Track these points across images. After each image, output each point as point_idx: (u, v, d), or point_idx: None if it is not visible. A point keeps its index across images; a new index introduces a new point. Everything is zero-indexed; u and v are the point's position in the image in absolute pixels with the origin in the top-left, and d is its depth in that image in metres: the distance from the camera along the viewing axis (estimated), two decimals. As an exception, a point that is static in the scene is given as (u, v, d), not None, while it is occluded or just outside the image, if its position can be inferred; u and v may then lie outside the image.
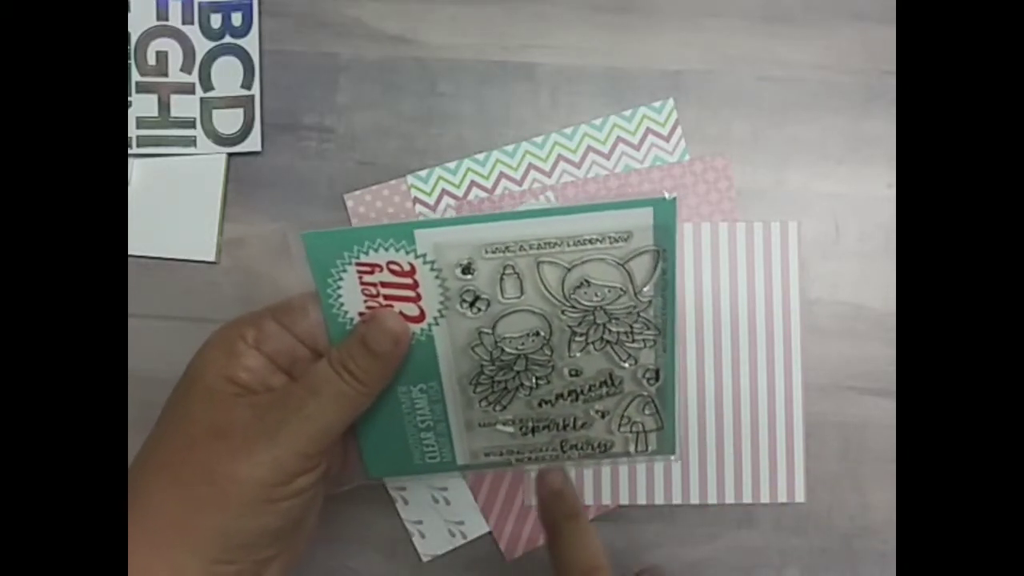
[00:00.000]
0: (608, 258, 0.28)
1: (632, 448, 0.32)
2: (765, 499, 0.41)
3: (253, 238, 0.42)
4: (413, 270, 0.28)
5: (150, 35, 0.41)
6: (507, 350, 0.30)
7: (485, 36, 0.42)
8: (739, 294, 0.41)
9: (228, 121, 0.41)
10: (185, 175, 0.41)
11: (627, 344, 0.30)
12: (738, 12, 0.42)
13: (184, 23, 0.42)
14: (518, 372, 0.30)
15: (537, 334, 0.30)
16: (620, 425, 0.32)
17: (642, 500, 0.41)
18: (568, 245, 0.28)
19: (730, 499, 0.41)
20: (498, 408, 0.31)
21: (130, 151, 0.41)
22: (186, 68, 0.41)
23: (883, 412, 0.41)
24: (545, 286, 0.29)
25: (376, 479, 0.33)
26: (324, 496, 0.32)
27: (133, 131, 0.41)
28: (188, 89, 0.41)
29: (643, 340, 0.30)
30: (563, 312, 0.29)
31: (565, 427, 0.32)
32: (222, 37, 0.42)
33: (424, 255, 0.28)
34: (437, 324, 0.29)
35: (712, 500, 0.41)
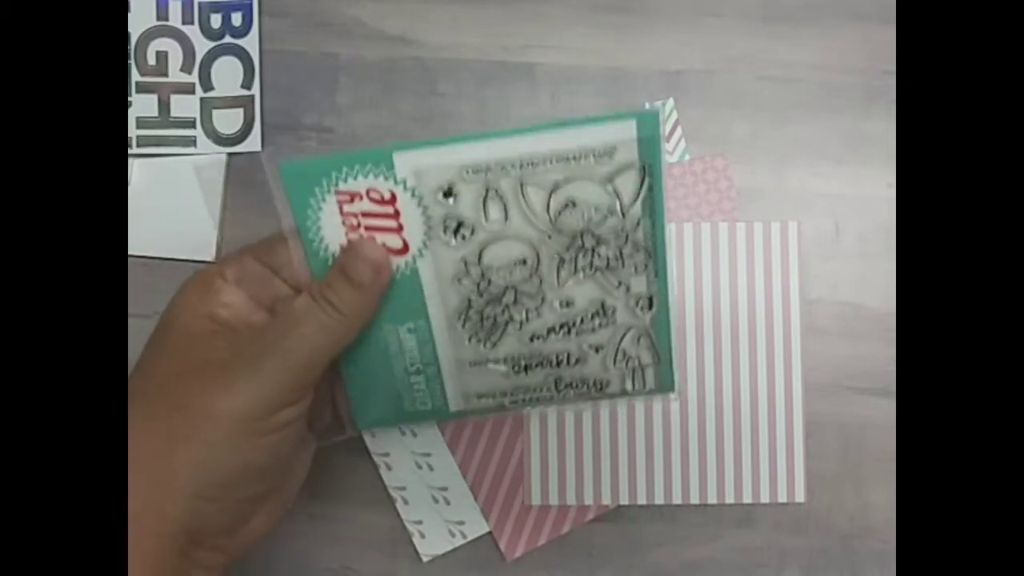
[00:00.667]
0: (593, 176, 0.28)
1: (629, 385, 0.31)
2: (765, 499, 0.41)
3: (253, 238, 0.41)
4: (394, 198, 0.28)
5: (150, 35, 0.41)
6: (495, 281, 0.29)
7: (485, 36, 0.42)
8: (739, 294, 0.41)
9: (228, 121, 0.41)
10: (185, 175, 0.41)
11: (617, 270, 0.29)
12: (738, 12, 0.42)
13: (184, 23, 0.41)
14: (507, 305, 0.29)
15: (524, 262, 0.29)
16: (615, 360, 0.31)
17: (642, 500, 0.41)
18: (551, 163, 0.27)
19: (730, 499, 0.41)
20: (488, 345, 0.30)
21: (130, 151, 0.41)
22: (186, 68, 0.41)
23: (883, 412, 0.41)
24: (530, 209, 0.28)
25: (366, 430, 0.32)
26: (316, 449, 0.32)
27: (133, 131, 0.41)
28: (188, 89, 0.41)
29: (633, 265, 0.29)
30: (549, 237, 0.28)
31: (559, 363, 0.30)
32: (222, 37, 0.41)
33: (404, 181, 0.27)
34: (421, 256, 0.29)
35: (712, 500, 0.41)
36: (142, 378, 0.29)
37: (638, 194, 0.28)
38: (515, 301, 0.29)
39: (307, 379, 0.28)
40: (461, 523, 0.41)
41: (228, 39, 0.42)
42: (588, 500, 0.40)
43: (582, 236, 0.29)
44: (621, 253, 0.29)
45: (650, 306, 0.30)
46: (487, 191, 0.28)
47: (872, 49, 0.42)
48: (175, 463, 0.26)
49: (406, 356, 0.30)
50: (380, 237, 0.28)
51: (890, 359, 0.41)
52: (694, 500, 0.41)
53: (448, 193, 0.28)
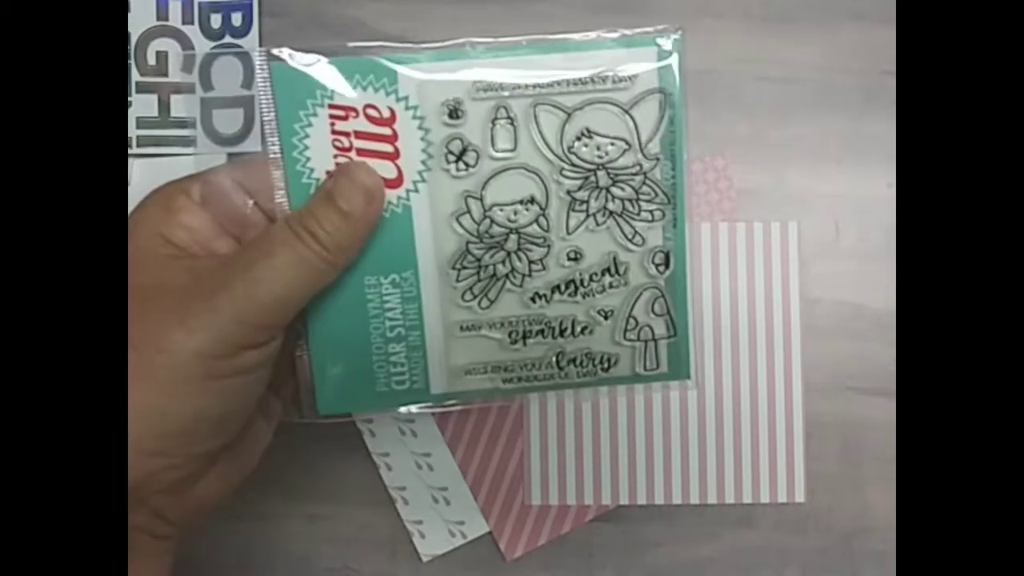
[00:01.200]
0: (611, 103, 0.26)
1: (640, 366, 0.28)
2: (765, 499, 0.41)
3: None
4: (393, 117, 0.25)
5: (150, 35, 0.41)
6: (497, 222, 0.26)
7: (485, 36, 0.42)
8: (739, 294, 0.41)
9: (228, 121, 0.41)
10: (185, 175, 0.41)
11: (633, 218, 0.27)
12: (738, 12, 0.42)
13: (184, 23, 0.41)
14: (509, 253, 0.26)
15: (532, 201, 0.26)
16: (627, 330, 0.28)
17: (642, 500, 0.41)
18: (568, 85, 0.26)
19: (730, 499, 0.41)
20: (484, 303, 0.27)
21: (130, 151, 0.41)
22: (186, 68, 0.41)
23: (883, 412, 0.41)
24: (542, 136, 0.26)
25: (327, 415, 0.27)
26: (281, 421, 0.29)
27: (133, 131, 0.41)
28: (188, 89, 0.41)
29: (650, 212, 0.27)
30: (561, 172, 0.26)
31: (563, 333, 0.27)
32: (222, 37, 0.41)
33: (407, 98, 0.25)
34: (416, 191, 0.26)
35: (712, 500, 0.41)
36: None
37: (657, 127, 0.27)
38: (518, 248, 0.26)
39: (275, 319, 0.24)
40: (461, 523, 0.41)
41: (228, 39, 0.42)
42: (588, 500, 0.40)
43: (596, 172, 0.26)
44: (638, 196, 0.27)
45: (667, 263, 0.28)
46: (497, 112, 0.25)
47: (872, 49, 0.42)
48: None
49: (386, 317, 0.26)
50: (372, 163, 0.25)
51: (890, 359, 0.41)
52: (694, 500, 0.41)
53: (454, 113, 0.25)
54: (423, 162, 0.26)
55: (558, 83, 0.26)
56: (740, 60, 0.42)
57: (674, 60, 0.27)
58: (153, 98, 0.41)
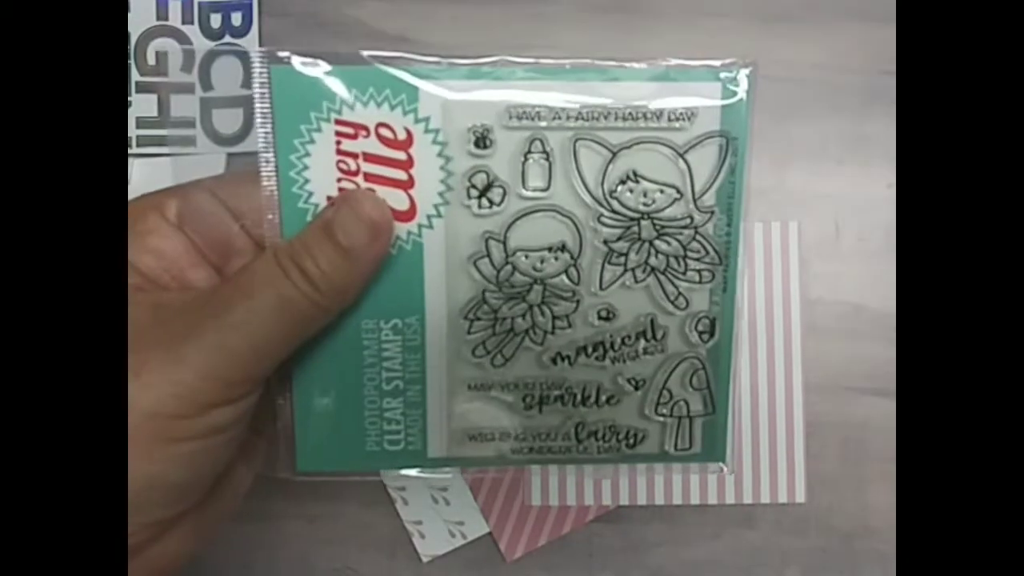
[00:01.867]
0: (663, 146, 0.23)
1: (671, 444, 0.25)
2: (766, 499, 0.41)
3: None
4: (410, 139, 0.22)
5: (150, 35, 0.41)
6: (520, 270, 0.23)
7: (485, 36, 0.42)
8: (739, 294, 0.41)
9: (228, 121, 0.41)
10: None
11: (677, 277, 0.24)
12: (738, 11, 0.42)
13: (184, 23, 0.41)
14: (532, 306, 0.23)
15: (562, 249, 0.23)
16: (659, 404, 0.24)
17: (642, 500, 0.41)
18: (616, 120, 0.22)
19: (730, 499, 0.41)
20: (499, 361, 0.23)
21: (129, 151, 0.41)
22: (186, 68, 0.41)
23: (883, 412, 0.41)
24: (581, 176, 0.22)
25: (308, 472, 0.24)
26: (255, 473, 0.25)
27: (133, 131, 0.41)
28: (188, 89, 0.41)
29: (698, 272, 0.24)
30: (600, 219, 0.23)
31: (584, 401, 0.24)
32: (222, 36, 0.41)
33: (427, 119, 0.22)
34: (430, 227, 0.22)
35: (712, 500, 0.41)
36: None
37: (715, 176, 0.24)
38: (542, 301, 0.23)
39: (252, 372, 0.20)
40: (461, 523, 0.41)
41: (228, 39, 0.41)
42: (588, 501, 0.40)
43: (640, 222, 0.23)
44: (685, 252, 0.23)
45: (712, 332, 0.24)
46: (531, 145, 0.22)
47: (873, 49, 0.42)
48: None
49: (384, 367, 0.23)
50: (382, 191, 0.22)
51: (891, 359, 0.41)
52: (694, 501, 0.41)
53: (482, 142, 0.22)
54: (441, 194, 0.22)
55: (604, 116, 0.22)
56: (740, 60, 0.42)
57: (741, 99, 0.24)
58: (153, 98, 0.41)
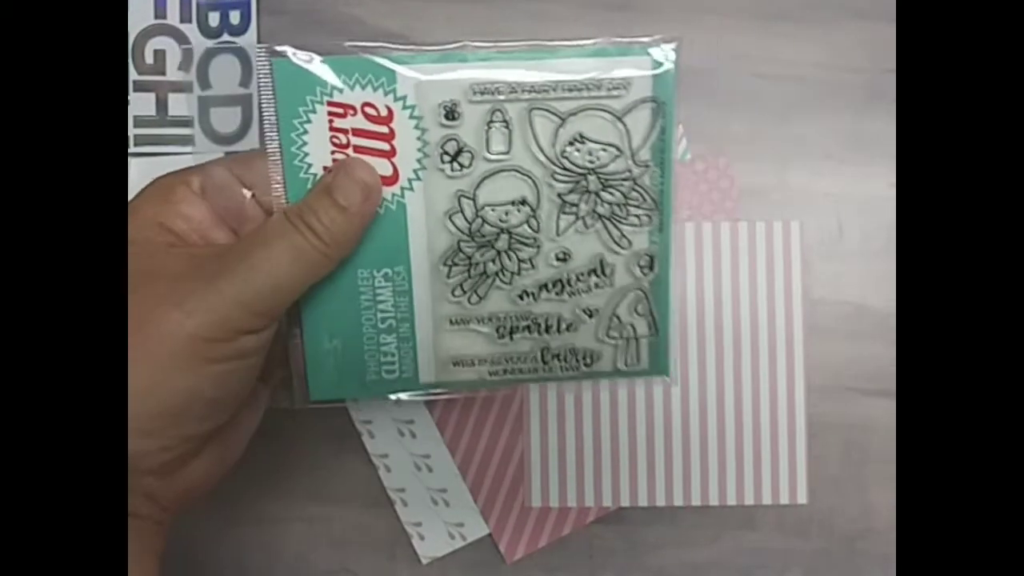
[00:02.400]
0: (604, 110, 0.26)
1: (621, 362, 0.29)
2: (767, 500, 0.40)
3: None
4: (390, 115, 0.26)
5: (148, 33, 0.41)
6: (489, 222, 0.27)
7: (484, 34, 0.42)
8: (741, 294, 0.41)
9: (226, 120, 0.41)
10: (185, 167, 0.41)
11: (620, 222, 0.28)
12: (739, 10, 0.42)
13: (182, 21, 0.41)
14: (500, 251, 0.27)
15: (523, 202, 0.27)
16: (609, 329, 0.29)
17: (643, 502, 0.40)
18: (563, 91, 0.26)
19: (732, 501, 0.40)
20: (474, 299, 0.28)
21: (128, 150, 0.41)
22: (184, 67, 0.41)
23: (885, 413, 0.41)
24: (536, 140, 0.26)
25: (319, 401, 0.28)
26: (269, 408, 0.29)
27: (131, 130, 0.41)
28: (186, 88, 0.41)
29: (638, 217, 0.28)
30: (553, 175, 0.27)
31: (548, 329, 0.28)
32: (220, 35, 0.41)
33: (404, 97, 0.26)
34: (411, 188, 0.26)
35: (714, 502, 0.40)
36: None
37: (649, 135, 0.27)
38: (509, 247, 0.27)
39: (272, 305, 0.25)
40: (461, 525, 0.40)
41: (226, 37, 0.41)
42: (589, 502, 0.40)
43: (587, 177, 0.27)
44: (627, 200, 0.27)
45: (651, 266, 0.28)
46: (493, 115, 0.26)
47: (874, 47, 0.42)
48: None
49: (378, 309, 0.27)
50: (369, 160, 0.26)
51: (893, 360, 0.41)
52: (695, 502, 0.40)
53: (451, 114, 0.26)
54: (419, 160, 0.26)
55: (553, 88, 0.26)
56: (741, 58, 0.42)
57: (668, 70, 0.27)
58: (151, 97, 0.41)
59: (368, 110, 0.26)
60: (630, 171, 0.27)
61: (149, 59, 0.41)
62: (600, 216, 0.28)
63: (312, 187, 0.26)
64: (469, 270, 0.27)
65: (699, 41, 0.42)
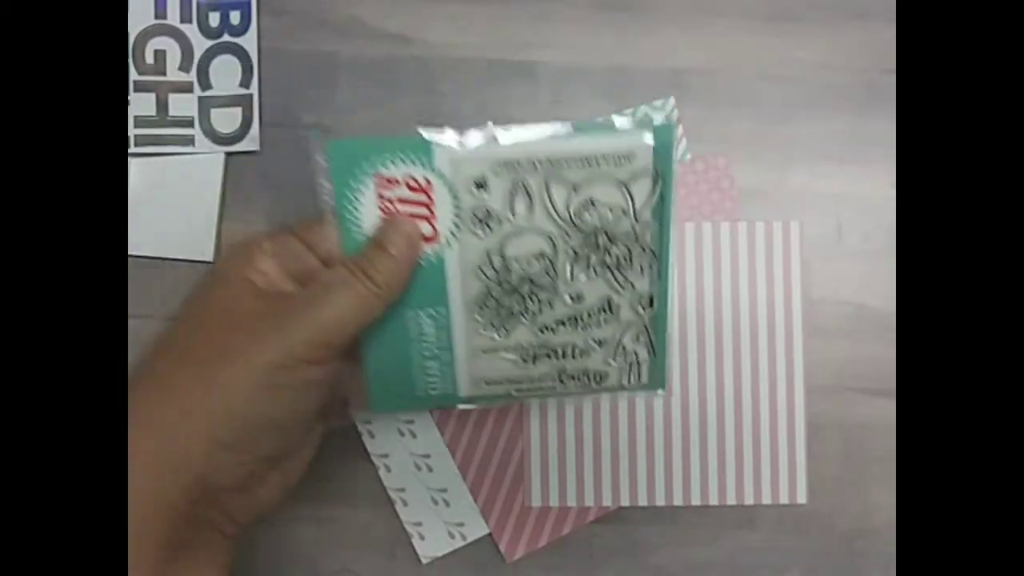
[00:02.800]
0: (611, 179, 0.30)
1: (625, 380, 0.34)
2: (767, 500, 0.40)
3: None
4: (429, 185, 0.30)
5: (148, 34, 0.41)
6: (514, 272, 0.31)
7: (486, 34, 0.42)
8: (741, 294, 0.41)
9: (226, 120, 0.41)
10: (183, 174, 0.41)
11: (625, 269, 0.32)
12: (740, 10, 0.42)
13: (182, 21, 0.41)
14: (523, 295, 0.31)
15: (542, 256, 0.31)
16: (616, 354, 0.33)
17: (643, 502, 0.40)
18: (575, 164, 0.30)
19: (731, 500, 0.40)
20: (502, 334, 0.32)
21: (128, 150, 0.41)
22: (184, 67, 0.41)
23: (885, 413, 0.41)
24: (553, 206, 0.30)
25: (379, 412, 0.34)
26: (325, 429, 0.34)
27: (131, 130, 0.41)
28: (186, 88, 0.41)
29: (640, 265, 0.31)
30: (567, 234, 0.31)
31: (564, 355, 0.33)
32: (220, 35, 0.41)
33: (441, 172, 0.30)
34: (449, 245, 0.31)
35: (714, 501, 0.40)
36: (180, 323, 0.30)
37: (649, 199, 0.30)
38: (530, 292, 0.31)
39: (335, 341, 0.29)
40: (461, 524, 0.40)
41: (226, 37, 0.41)
42: (589, 502, 0.40)
43: (596, 235, 0.31)
44: (630, 253, 0.31)
45: (651, 305, 0.32)
46: (515, 186, 0.30)
47: (874, 48, 0.42)
48: (206, 407, 0.27)
49: (423, 340, 0.32)
50: None
51: (893, 360, 0.41)
52: (695, 501, 0.40)
53: (480, 185, 0.30)
54: (454, 223, 0.30)
55: (567, 161, 0.30)
56: (742, 59, 0.42)
57: (667, 143, 0.30)
58: (151, 97, 0.41)
59: (410, 182, 0.30)
60: (633, 229, 0.31)
61: (149, 59, 0.41)
62: (607, 266, 0.31)
63: (365, 243, 0.30)
64: (498, 311, 0.32)
65: (699, 41, 0.42)
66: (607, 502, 0.40)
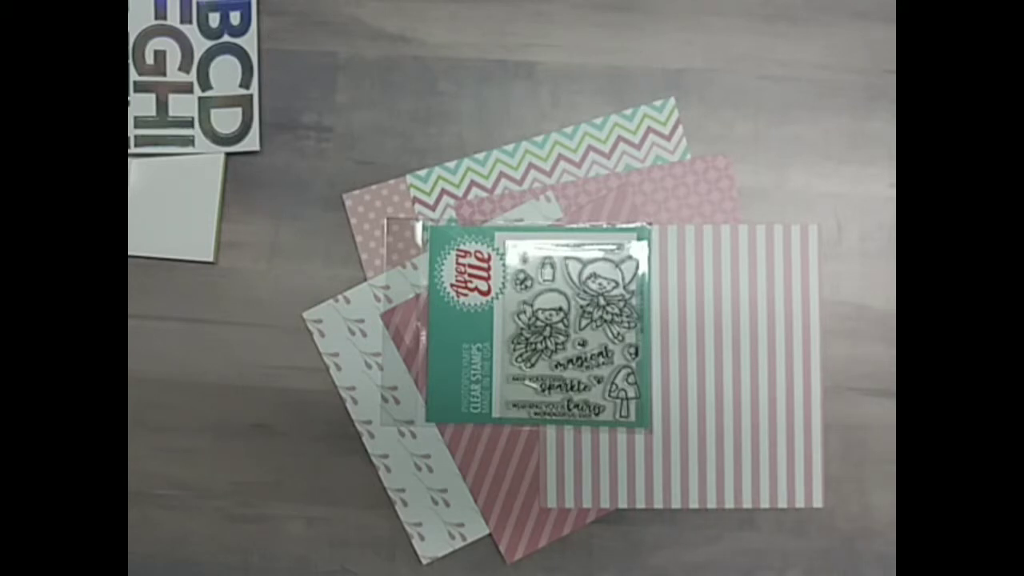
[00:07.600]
0: (610, 259, 0.42)
1: (618, 414, 0.42)
2: (783, 504, 0.40)
3: (251, 238, 0.41)
4: (489, 258, 0.43)
5: (148, 34, 0.41)
6: (539, 319, 0.42)
7: (485, 35, 0.42)
8: (759, 296, 0.41)
9: (226, 120, 0.41)
10: (183, 175, 0.41)
11: (618, 325, 0.42)
12: (740, 11, 0.42)
13: (182, 22, 0.41)
14: (545, 338, 0.43)
15: (560, 310, 0.43)
16: (610, 391, 0.42)
17: (659, 504, 0.40)
18: (586, 249, 0.43)
19: (747, 503, 0.40)
20: (528, 366, 0.43)
21: (127, 151, 0.41)
22: (184, 67, 0.41)
23: (885, 413, 0.41)
24: (569, 276, 0.43)
25: (434, 422, 0.42)
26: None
27: (131, 131, 0.41)
28: (186, 88, 0.41)
29: (628, 322, 0.42)
30: (578, 295, 0.42)
31: (572, 388, 0.42)
32: (220, 36, 0.41)
33: (499, 250, 0.43)
34: (497, 299, 0.43)
35: (730, 504, 0.40)
36: None
37: (635, 276, 0.42)
38: (550, 335, 0.42)
39: None
40: (461, 525, 0.40)
41: (226, 38, 0.41)
42: (587, 503, 0.40)
43: (598, 297, 0.42)
44: (622, 312, 0.42)
45: (636, 353, 0.42)
46: (544, 260, 0.43)
47: (874, 48, 0.42)
48: None
49: (472, 368, 0.42)
50: (475, 282, 0.43)
51: (893, 360, 0.41)
52: (711, 505, 0.40)
53: (523, 259, 0.43)
54: (502, 283, 0.43)
55: (580, 247, 0.43)
56: (742, 59, 0.42)
57: (647, 242, 0.42)
58: (151, 97, 0.41)
59: (478, 255, 0.43)
60: (624, 296, 0.42)
61: (149, 60, 0.41)
62: (605, 320, 0.42)
63: (443, 294, 0.42)
64: (526, 347, 0.43)
65: (699, 42, 0.42)
66: (605, 504, 0.40)
